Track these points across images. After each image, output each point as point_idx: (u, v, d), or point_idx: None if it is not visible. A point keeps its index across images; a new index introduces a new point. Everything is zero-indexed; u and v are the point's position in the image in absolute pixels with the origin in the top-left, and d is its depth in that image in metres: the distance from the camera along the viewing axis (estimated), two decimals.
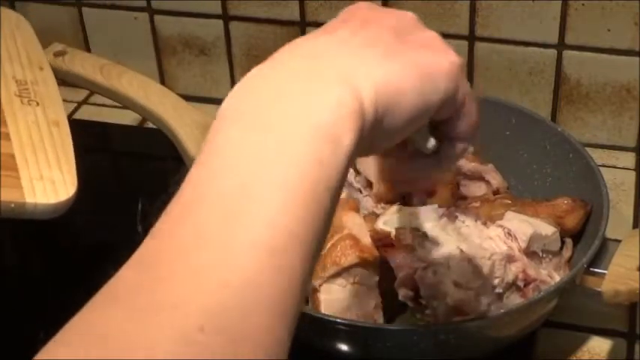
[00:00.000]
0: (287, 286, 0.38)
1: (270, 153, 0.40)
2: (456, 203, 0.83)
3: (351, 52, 0.46)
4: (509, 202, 0.83)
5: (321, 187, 0.40)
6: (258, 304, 0.36)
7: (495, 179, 0.88)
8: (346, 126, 0.42)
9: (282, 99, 0.42)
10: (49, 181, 0.71)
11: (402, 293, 0.73)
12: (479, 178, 0.89)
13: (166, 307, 0.35)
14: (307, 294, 0.78)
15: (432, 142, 0.54)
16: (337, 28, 0.48)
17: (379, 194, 0.83)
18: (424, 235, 0.73)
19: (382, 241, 0.74)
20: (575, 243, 0.81)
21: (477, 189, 0.88)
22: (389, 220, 0.75)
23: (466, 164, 0.88)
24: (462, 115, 0.51)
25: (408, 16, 0.50)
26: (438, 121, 0.52)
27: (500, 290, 0.73)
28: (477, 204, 0.83)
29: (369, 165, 0.83)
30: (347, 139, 0.42)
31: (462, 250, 0.72)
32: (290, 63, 0.45)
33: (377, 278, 0.75)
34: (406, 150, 0.55)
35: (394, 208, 0.78)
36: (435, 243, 0.73)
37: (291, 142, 0.40)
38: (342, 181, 0.42)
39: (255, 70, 0.45)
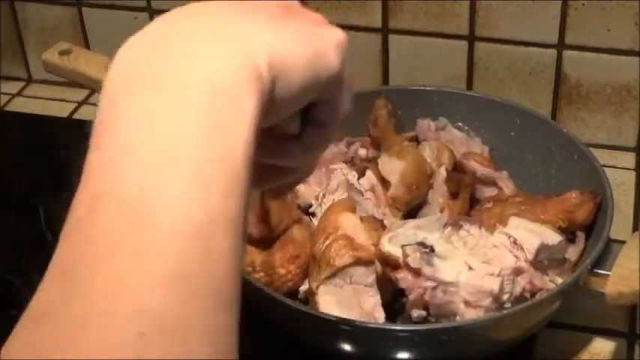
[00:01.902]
0: (220, 268, 0.36)
1: (170, 128, 0.38)
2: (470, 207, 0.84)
3: (242, 16, 0.44)
4: (521, 199, 0.83)
5: (227, 156, 0.38)
6: (194, 294, 0.35)
7: (508, 187, 0.88)
8: (247, 89, 0.40)
9: (178, 62, 0.40)
10: None
11: (415, 315, 0.73)
12: (491, 183, 0.89)
13: (98, 317, 0.33)
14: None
15: (298, 124, 0.51)
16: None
17: (395, 196, 0.83)
18: (431, 251, 0.72)
19: (390, 264, 0.73)
20: (588, 237, 0.81)
21: (489, 194, 0.89)
22: (394, 237, 0.73)
23: (480, 169, 0.88)
24: (335, 101, 0.50)
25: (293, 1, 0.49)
26: (309, 104, 0.49)
27: (509, 305, 0.73)
28: (490, 204, 0.83)
29: (393, 168, 0.83)
30: (249, 104, 0.40)
31: (470, 267, 0.72)
32: (181, 23, 0.43)
33: (374, 276, 0.75)
34: (271, 135, 0.51)
35: (398, 222, 0.78)
36: (443, 259, 0.72)
37: (189, 110, 0.38)
38: (251, 151, 0.39)
39: (147, 29, 0.42)
